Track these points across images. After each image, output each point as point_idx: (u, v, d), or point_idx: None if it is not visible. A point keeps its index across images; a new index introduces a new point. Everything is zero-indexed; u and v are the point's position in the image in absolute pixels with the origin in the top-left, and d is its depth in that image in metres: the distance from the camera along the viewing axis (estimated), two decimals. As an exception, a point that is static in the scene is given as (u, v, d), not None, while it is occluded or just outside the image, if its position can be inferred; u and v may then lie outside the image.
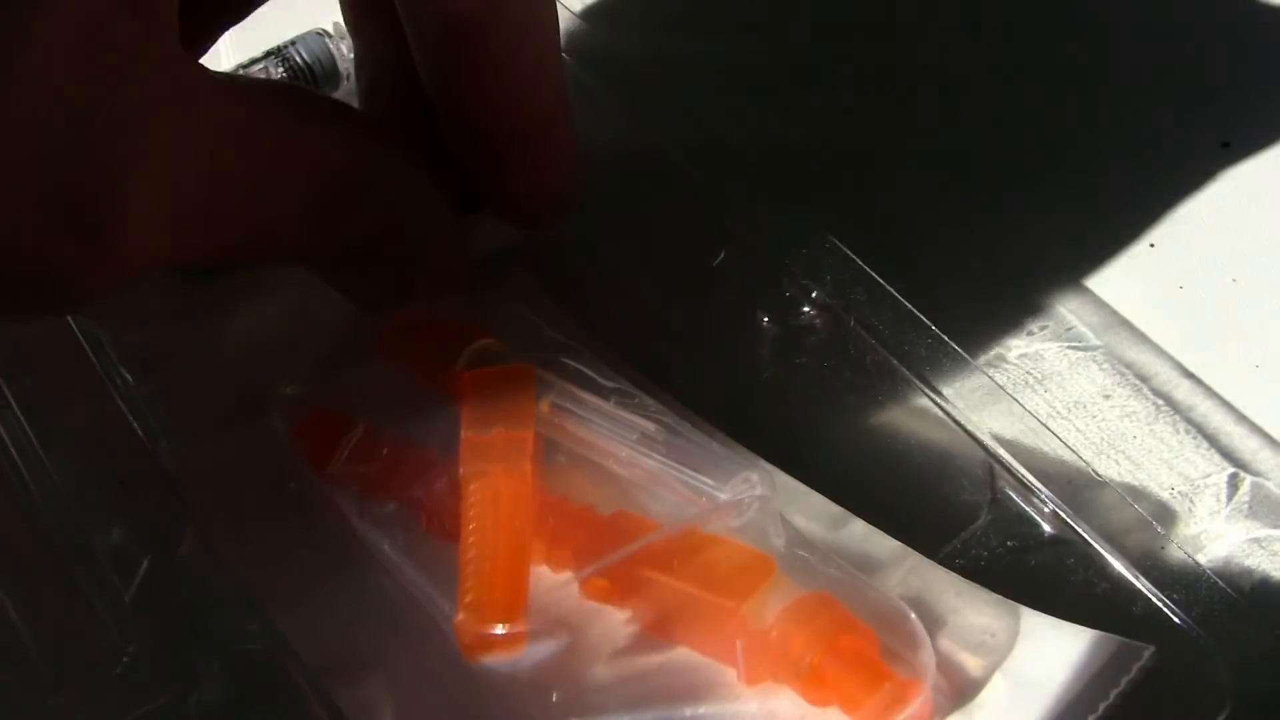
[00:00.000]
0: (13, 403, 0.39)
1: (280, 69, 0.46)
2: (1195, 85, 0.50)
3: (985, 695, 0.31)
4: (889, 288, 0.38)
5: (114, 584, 0.37)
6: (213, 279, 0.43)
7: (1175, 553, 0.35)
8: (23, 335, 0.41)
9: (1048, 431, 0.36)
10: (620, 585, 0.33)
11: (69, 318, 0.41)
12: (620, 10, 0.52)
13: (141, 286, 0.42)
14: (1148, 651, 0.31)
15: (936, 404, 0.37)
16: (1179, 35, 0.51)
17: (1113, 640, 0.31)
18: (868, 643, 0.31)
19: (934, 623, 0.32)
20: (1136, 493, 0.38)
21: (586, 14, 0.51)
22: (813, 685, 0.30)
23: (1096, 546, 0.34)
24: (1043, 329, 0.42)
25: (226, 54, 0.46)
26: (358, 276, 0.38)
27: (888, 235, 0.44)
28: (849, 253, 0.38)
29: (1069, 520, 0.35)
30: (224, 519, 0.37)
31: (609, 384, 0.36)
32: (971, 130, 0.48)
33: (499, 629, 0.31)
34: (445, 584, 0.34)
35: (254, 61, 0.46)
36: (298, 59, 0.46)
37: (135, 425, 0.39)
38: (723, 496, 0.33)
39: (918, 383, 0.37)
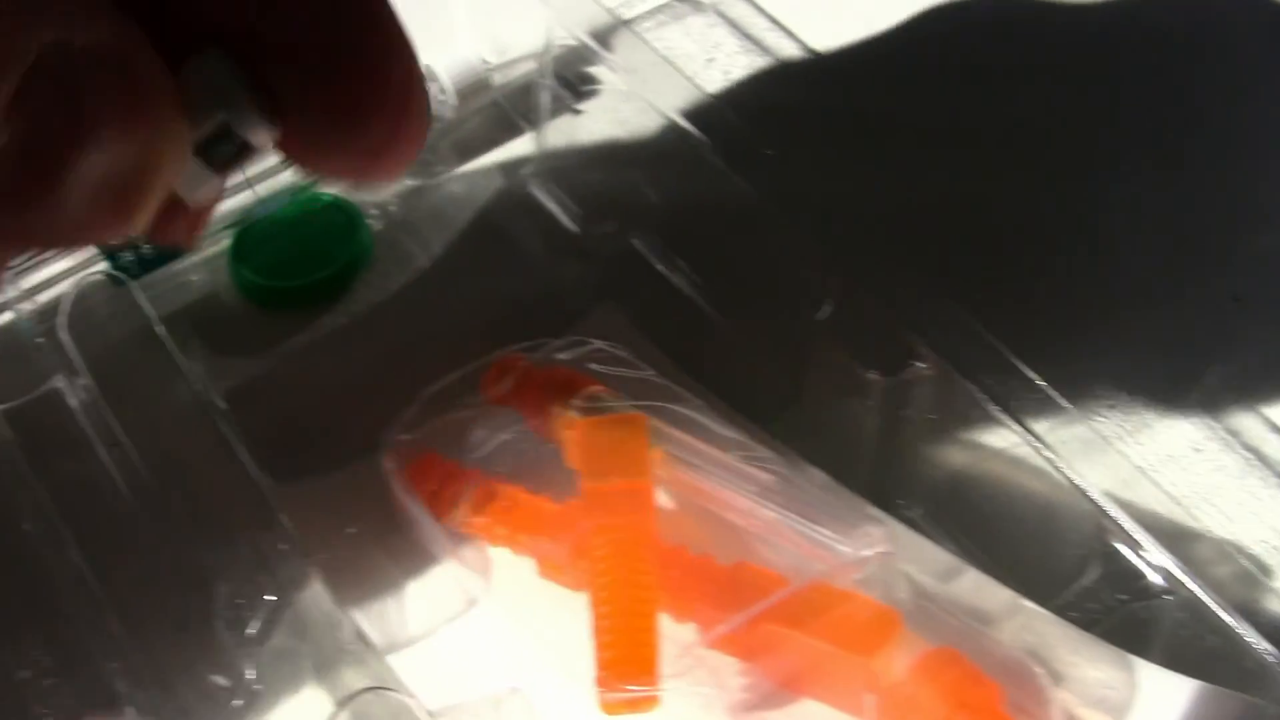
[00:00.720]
0: (123, 439, 0.40)
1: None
2: None
3: (1111, 749, 0.32)
4: (993, 340, 0.38)
5: (232, 624, 0.38)
6: (315, 318, 0.45)
7: (1276, 601, 0.36)
8: (134, 373, 0.42)
9: (1149, 483, 0.37)
10: (750, 640, 0.33)
11: (176, 352, 0.41)
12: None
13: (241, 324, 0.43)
14: (1272, 712, 0.31)
15: (1042, 455, 0.37)
16: None
17: (1235, 698, 0.32)
18: (995, 697, 0.32)
19: (1052, 676, 0.33)
20: (1232, 546, 0.39)
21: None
22: (943, 739, 0.31)
23: (1205, 600, 0.35)
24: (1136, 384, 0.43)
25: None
26: None
27: (993, 290, 0.45)
28: (955, 307, 0.39)
29: (1177, 573, 0.35)
30: (332, 558, 0.38)
31: (725, 433, 0.37)
32: (1073, 196, 0.49)
33: (636, 688, 0.32)
34: (566, 630, 0.35)
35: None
36: None
37: (246, 461, 0.39)
38: (845, 550, 0.34)
39: (1023, 434, 0.37)
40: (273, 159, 0.35)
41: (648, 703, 0.32)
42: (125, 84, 0.20)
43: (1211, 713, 0.32)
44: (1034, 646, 0.34)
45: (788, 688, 0.33)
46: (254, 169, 0.43)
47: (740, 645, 0.33)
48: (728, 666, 0.33)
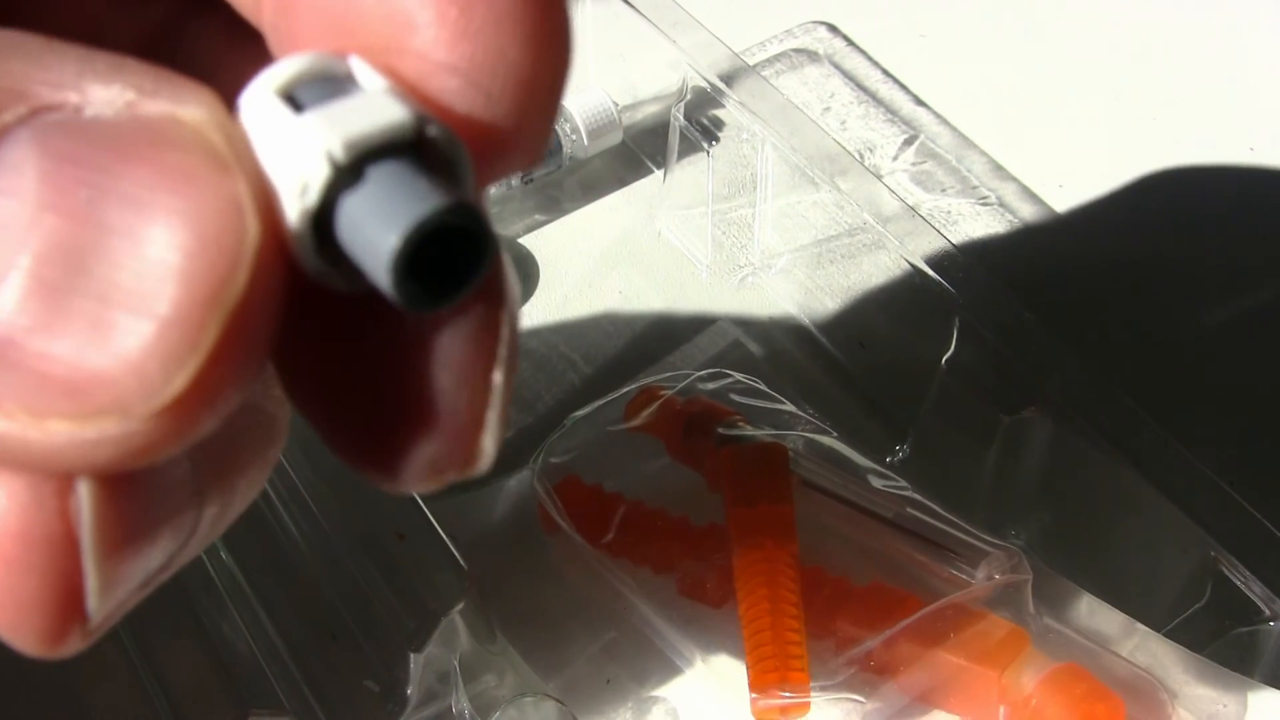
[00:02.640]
0: (280, 456, 0.43)
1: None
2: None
3: (1224, 763, 0.35)
4: (1109, 384, 0.41)
5: (387, 634, 0.41)
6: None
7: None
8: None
9: (1253, 515, 0.40)
10: (888, 655, 0.37)
11: None
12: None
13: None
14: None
15: (1154, 488, 0.40)
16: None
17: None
18: (1118, 711, 0.35)
19: (1168, 694, 0.36)
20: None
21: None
22: (1070, 749, 0.35)
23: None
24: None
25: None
26: None
27: (1109, 336, 0.48)
28: (1072, 351, 0.42)
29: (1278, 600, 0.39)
30: (483, 571, 0.41)
31: (860, 462, 0.40)
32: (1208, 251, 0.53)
33: (789, 695, 0.35)
34: (704, 643, 0.39)
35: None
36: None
37: None
38: (978, 573, 0.37)
39: (1138, 475, 0.41)
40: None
41: (799, 709, 0.35)
42: None
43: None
44: (1147, 665, 0.37)
45: (923, 701, 0.37)
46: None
47: (879, 660, 0.37)
48: (868, 683, 0.37)
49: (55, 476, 0.16)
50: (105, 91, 0.16)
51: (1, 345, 0.15)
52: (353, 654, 0.41)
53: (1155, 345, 0.49)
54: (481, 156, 0.17)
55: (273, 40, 0.19)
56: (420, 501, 0.41)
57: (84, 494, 0.16)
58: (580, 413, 0.44)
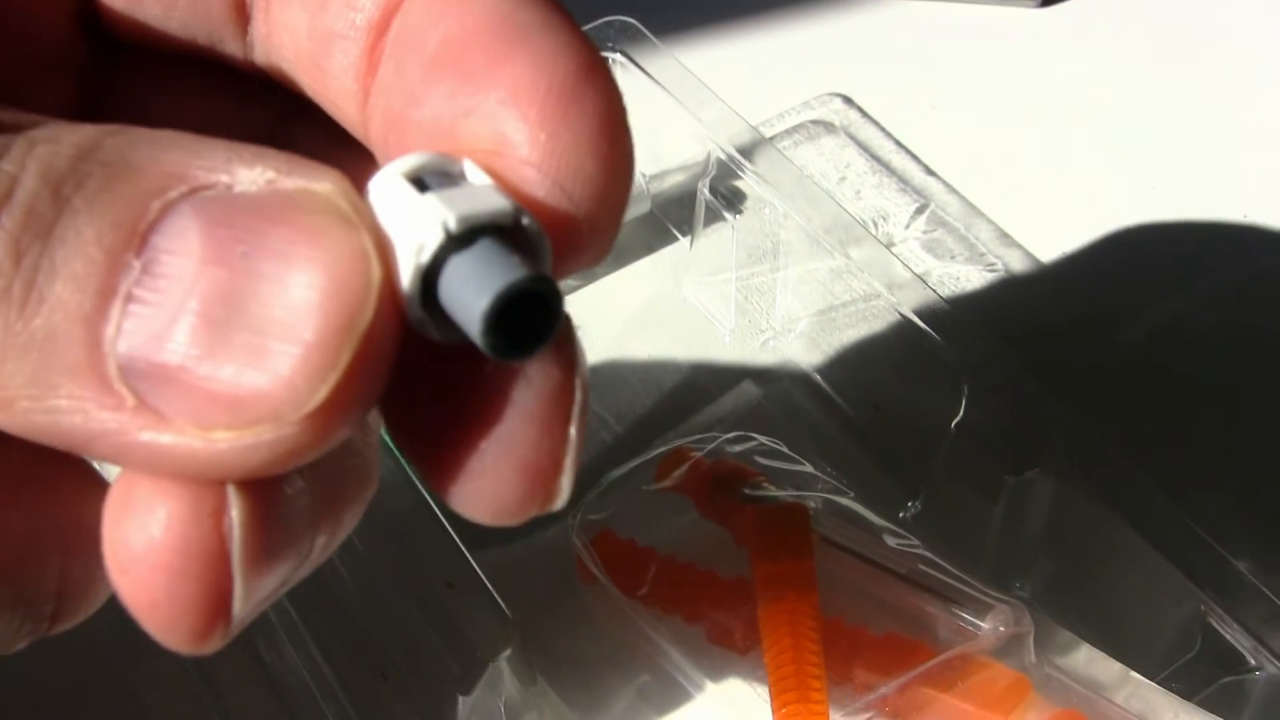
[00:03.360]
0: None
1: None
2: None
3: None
4: (1110, 448, 0.45)
5: (435, 678, 0.44)
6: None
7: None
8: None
9: (1240, 571, 0.44)
10: (900, 701, 0.40)
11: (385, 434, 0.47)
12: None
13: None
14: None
15: (1149, 545, 0.44)
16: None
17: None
18: (1114, 754, 0.38)
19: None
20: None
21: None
22: (1070, 789, 0.38)
23: (1290, 676, 0.42)
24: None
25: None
26: None
27: (1111, 400, 0.52)
28: (1077, 415, 0.45)
29: (1271, 659, 0.42)
30: (525, 619, 0.45)
31: (876, 521, 0.44)
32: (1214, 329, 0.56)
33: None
34: (730, 687, 0.42)
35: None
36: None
37: (451, 531, 0.44)
38: (984, 625, 0.41)
39: (1131, 528, 0.44)
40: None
41: (820, 755, 0.39)
42: None
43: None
44: (1141, 713, 0.40)
45: (935, 743, 0.40)
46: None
47: (894, 704, 0.40)
48: (882, 723, 0.40)
49: (213, 494, 0.20)
50: (250, 172, 0.19)
51: (175, 372, 0.19)
52: (403, 694, 0.43)
53: (1152, 403, 0.53)
54: (559, 246, 0.21)
55: (380, 151, 0.24)
56: (467, 553, 0.44)
57: (235, 515, 0.20)
58: (615, 473, 0.47)
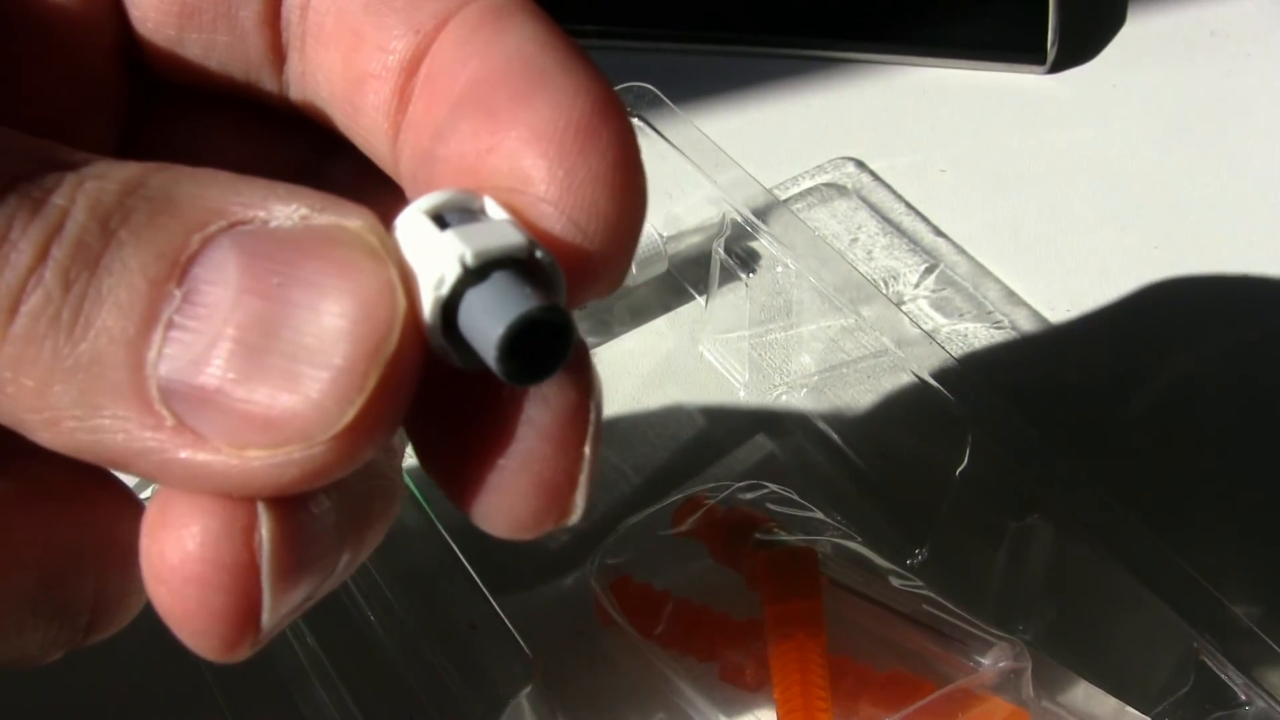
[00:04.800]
0: (366, 561, 0.49)
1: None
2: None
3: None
4: (1109, 498, 0.47)
5: (464, 717, 0.46)
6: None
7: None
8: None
9: (1232, 611, 0.46)
10: (905, 735, 0.43)
11: (410, 482, 0.49)
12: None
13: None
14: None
15: (1145, 588, 0.46)
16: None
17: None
18: (1109, 786, 0.41)
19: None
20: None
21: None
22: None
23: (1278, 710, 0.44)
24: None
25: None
26: None
27: (1110, 452, 0.54)
28: (1075, 465, 0.48)
29: (1261, 695, 0.44)
30: (545, 658, 0.47)
31: (882, 564, 0.46)
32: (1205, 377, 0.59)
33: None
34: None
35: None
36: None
37: (473, 574, 0.46)
38: (985, 662, 0.43)
39: (1130, 578, 0.46)
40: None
41: (827, 783, 0.41)
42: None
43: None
44: (1137, 746, 0.43)
45: (937, 774, 0.43)
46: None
47: (899, 740, 0.43)
48: (888, 756, 0.43)
49: (245, 511, 0.22)
50: (285, 209, 0.21)
51: (213, 394, 0.20)
52: None
53: (1154, 454, 0.55)
54: (574, 277, 0.23)
55: (409, 185, 0.26)
56: (489, 596, 0.46)
57: (265, 532, 0.22)
58: (632, 520, 0.50)
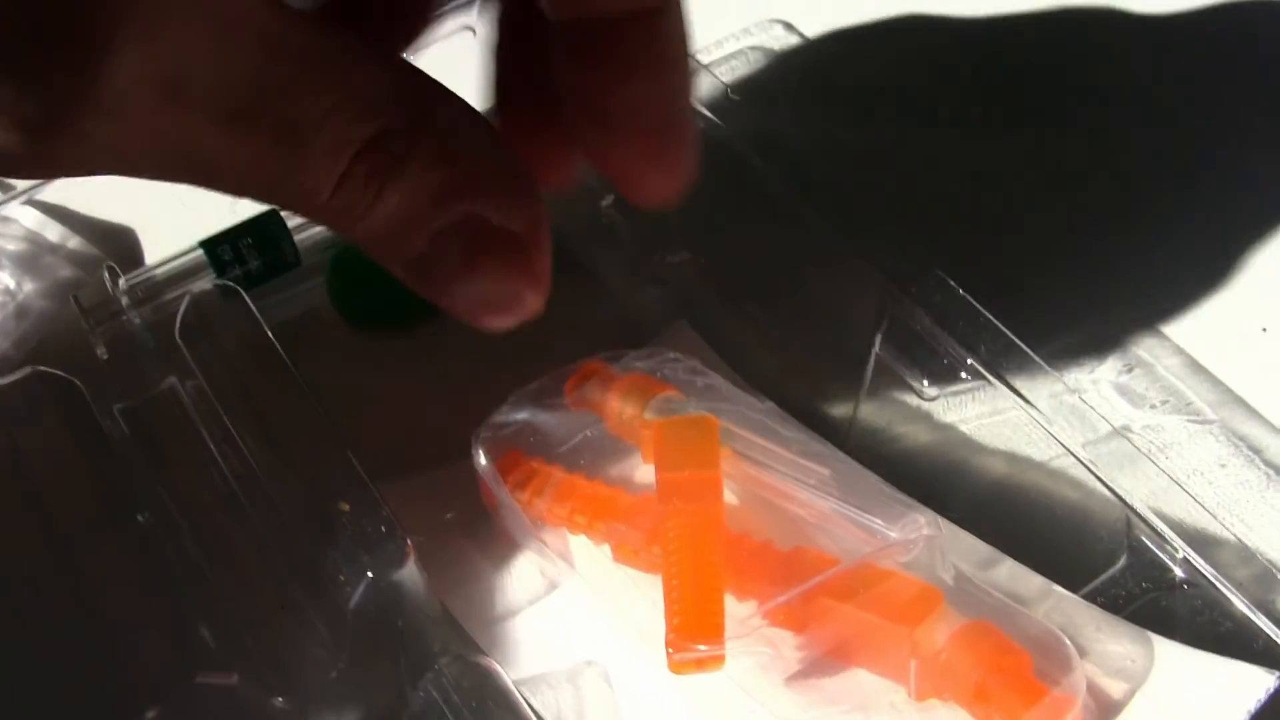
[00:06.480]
0: (234, 434, 0.46)
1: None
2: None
3: (1128, 713, 0.37)
4: (1035, 357, 0.44)
5: (332, 600, 0.43)
6: (410, 335, 0.51)
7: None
8: (243, 376, 0.47)
9: (1178, 489, 0.43)
10: (803, 613, 0.39)
11: (284, 355, 0.46)
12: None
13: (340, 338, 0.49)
14: (1275, 676, 0.37)
15: (1079, 462, 0.43)
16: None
17: (1243, 667, 0.37)
18: (1025, 665, 0.37)
19: (1078, 650, 0.38)
20: (1252, 551, 0.44)
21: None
22: (979, 701, 0.37)
23: (1222, 590, 0.40)
24: (1165, 403, 0.48)
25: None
26: None
27: (1038, 312, 0.50)
28: (1002, 328, 0.44)
29: (1198, 567, 0.41)
30: (426, 542, 0.43)
31: (785, 432, 0.43)
32: (1125, 228, 0.55)
33: (704, 649, 0.38)
34: (639, 607, 0.41)
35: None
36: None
37: (353, 460, 0.44)
38: (893, 535, 0.40)
39: (1059, 442, 0.43)
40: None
41: (714, 662, 0.37)
42: (519, 268, 0.30)
43: (1220, 678, 0.37)
44: (1062, 625, 0.39)
45: (837, 657, 0.39)
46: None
47: (795, 618, 0.39)
48: (784, 638, 0.39)
49: None
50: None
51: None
52: (300, 620, 0.43)
53: (1083, 324, 0.52)
54: None
55: None
56: (364, 476, 0.43)
57: None
58: (522, 390, 0.46)
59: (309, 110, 0.27)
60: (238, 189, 0.28)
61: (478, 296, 0.31)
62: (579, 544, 0.43)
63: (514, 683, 0.40)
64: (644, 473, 0.44)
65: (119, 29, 0.25)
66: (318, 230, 0.53)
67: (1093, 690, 0.38)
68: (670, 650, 0.37)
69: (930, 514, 0.40)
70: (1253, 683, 0.37)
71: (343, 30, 0.28)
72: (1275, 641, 0.39)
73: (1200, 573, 0.41)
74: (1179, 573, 0.41)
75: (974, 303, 0.45)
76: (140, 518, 0.46)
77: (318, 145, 0.27)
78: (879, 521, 0.40)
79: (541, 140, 0.36)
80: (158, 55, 0.26)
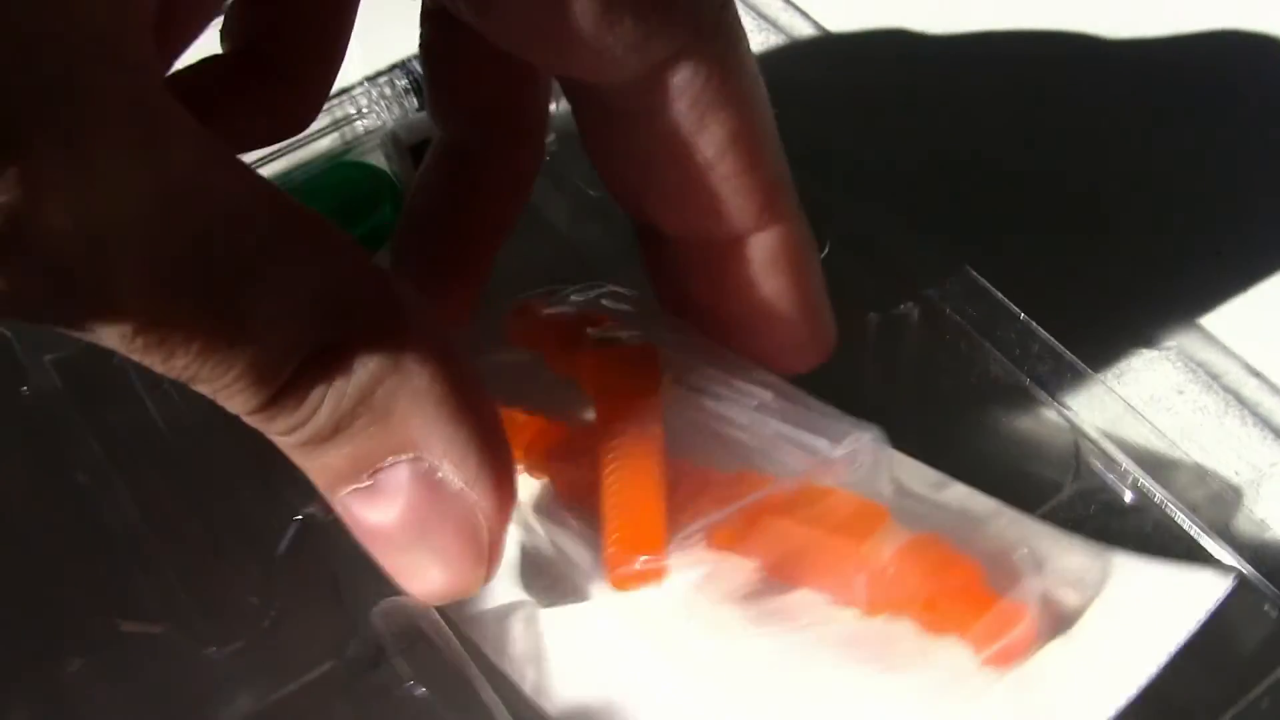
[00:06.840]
0: (165, 384, 0.45)
1: (404, 80, 0.52)
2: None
3: (1083, 622, 0.36)
4: (982, 280, 0.43)
5: (263, 544, 0.42)
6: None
7: (1245, 522, 0.40)
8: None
9: (1132, 414, 0.42)
10: (744, 533, 0.38)
11: None
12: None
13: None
14: (1231, 576, 0.36)
15: (1026, 386, 0.42)
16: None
17: (1200, 572, 0.36)
18: (976, 576, 0.36)
19: (1033, 564, 0.37)
20: (1208, 475, 0.43)
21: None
22: (928, 613, 0.36)
23: (1173, 512, 0.40)
24: (1121, 329, 0.48)
25: (354, 67, 0.51)
26: None
27: (985, 235, 0.50)
28: (948, 250, 0.43)
29: (1148, 490, 0.40)
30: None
31: (729, 358, 0.41)
32: (1063, 149, 0.54)
33: (644, 561, 0.36)
34: (584, 542, 0.40)
35: (379, 74, 0.52)
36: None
37: None
38: (837, 453, 0.38)
39: (1009, 365, 0.42)
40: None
41: (656, 574, 0.36)
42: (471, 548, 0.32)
43: (1176, 583, 0.36)
44: (1016, 541, 0.38)
45: (782, 576, 0.37)
46: (292, 139, 0.48)
47: (737, 538, 0.38)
48: (725, 556, 0.38)
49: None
50: (449, 466, 0.30)
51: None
52: (233, 568, 0.43)
53: (1033, 251, 0.51)
54: None
55: None
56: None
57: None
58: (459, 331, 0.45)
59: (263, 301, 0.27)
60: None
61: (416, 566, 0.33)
62: (526, 483, 0.42)
63: (456, 621, 0.39)
64: (584, 408, 0.42)
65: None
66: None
67: (1047, 602, 0.37)
68: (611, 566, 0.36)
69: (877, 429, 0.39)
70: (1209, 586, 0.36)
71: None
72: (1222, 565, 0.38)
73: (1150, 497, 0.40)
74: (1129, 496, 0.40)
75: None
76: (71, 471, 0.45)
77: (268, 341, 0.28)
78: (823, 441, 0.39)
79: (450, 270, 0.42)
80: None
